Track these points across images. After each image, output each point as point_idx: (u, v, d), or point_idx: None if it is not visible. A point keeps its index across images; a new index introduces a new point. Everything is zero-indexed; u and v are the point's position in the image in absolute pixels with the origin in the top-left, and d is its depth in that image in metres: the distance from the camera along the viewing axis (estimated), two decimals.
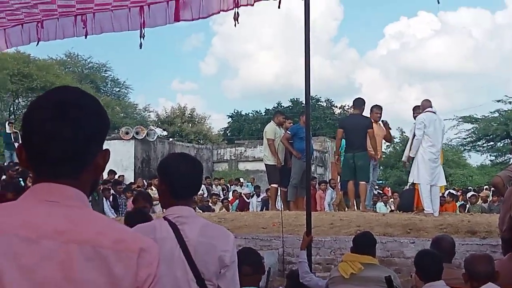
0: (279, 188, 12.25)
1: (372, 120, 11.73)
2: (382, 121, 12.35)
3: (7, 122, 22.65)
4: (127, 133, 23.95)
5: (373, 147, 11.53)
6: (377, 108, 12.38)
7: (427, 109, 10.57)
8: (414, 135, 10.48)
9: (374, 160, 11.79)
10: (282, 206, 11.87)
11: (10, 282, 1.41)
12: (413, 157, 10.44)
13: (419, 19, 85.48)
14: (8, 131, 20.51)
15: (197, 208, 15.55)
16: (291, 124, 12.92)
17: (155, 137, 25.60)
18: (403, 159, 11.23)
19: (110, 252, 1.47)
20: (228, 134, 48.57)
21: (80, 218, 1.51)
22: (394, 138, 12.73)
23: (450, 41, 78.65)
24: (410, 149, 10.54)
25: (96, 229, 1.50)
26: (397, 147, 38.42)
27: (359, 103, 11.78)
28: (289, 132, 12.28)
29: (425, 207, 10.19)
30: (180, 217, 2.88)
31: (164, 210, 3.05)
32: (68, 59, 44.79)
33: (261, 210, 15.48)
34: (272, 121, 13.04)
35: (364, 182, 11.35)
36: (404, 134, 38.31)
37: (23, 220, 1.46)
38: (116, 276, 1.47)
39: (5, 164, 17.00)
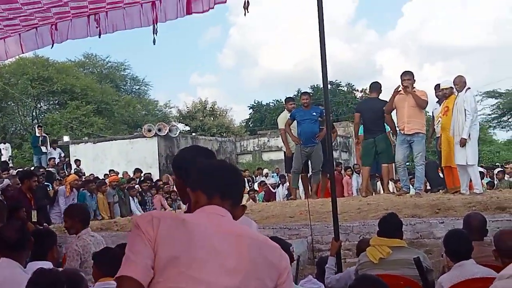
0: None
1: (401, 90, 10.42)
2: (406, 87, 10.31)
3: (36, 126, 23.77)
4: (149, 130, 24.06)
5: (391, 128, 11.33)
6: (404, 75, 10.52)
7: (467, 86, 10.08)
8: (464, 113, 9.75)
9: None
10: (306, 193, 11.80)
11: (215, 265, 2.09)
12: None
13: None
14: (37, 134, 21.30)
15: None
16: (293, 105, 12.65)
17: (178, 132, 25.67)
18: (464, 136, 9.74)
19: (263, 244, 2.24)
20: (250, 125, 48.50)
21: (235, 223, 2.29)
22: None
23: (471, 16, 77.74)
24: (468, 127, 9.74)
25: (246, 229, 2.31)
26: None
27: (375, 86, 11.43)
28: (290, 118, 11.95)
29: (477, 187, 10.08)
30: None
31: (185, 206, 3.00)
32: (87, 60, 45.04)
33: (287, 199, 15.42)
34: (285, 109, 12.91)
35: (385, 164, 11.16)
36: (427, 114, 37.76)
37: (216, 224, 2.18)
38: (270, 261, 2.20)
39: (33, 168, 17.31)
